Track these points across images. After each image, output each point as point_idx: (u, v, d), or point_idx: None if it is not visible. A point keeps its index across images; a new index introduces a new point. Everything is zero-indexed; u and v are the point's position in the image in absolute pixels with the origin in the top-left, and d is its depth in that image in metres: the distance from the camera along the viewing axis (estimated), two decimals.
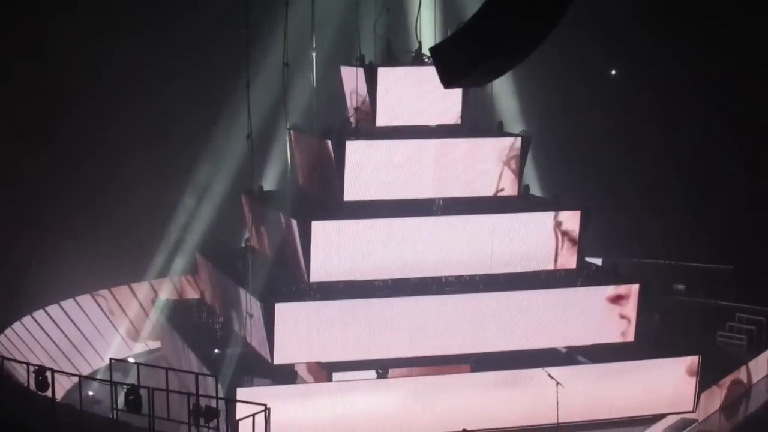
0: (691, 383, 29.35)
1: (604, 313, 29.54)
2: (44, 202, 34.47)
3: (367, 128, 29.98)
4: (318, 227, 27.97)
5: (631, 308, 29.69)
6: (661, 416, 29.25)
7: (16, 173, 34.37)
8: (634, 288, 29.67)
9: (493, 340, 28.98)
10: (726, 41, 39.04)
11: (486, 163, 29.84)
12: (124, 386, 21.04)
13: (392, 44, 30.47)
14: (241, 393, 25.78)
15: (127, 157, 36.40)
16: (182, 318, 34.82)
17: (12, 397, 23.13)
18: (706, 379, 29.91)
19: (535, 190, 33.42)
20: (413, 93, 29.95)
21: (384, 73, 29.66)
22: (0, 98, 34.10)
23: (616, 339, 29.83)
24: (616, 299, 29.56)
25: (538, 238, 29.61)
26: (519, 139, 30.08)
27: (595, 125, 37.61)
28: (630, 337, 29.87)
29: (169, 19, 37.11)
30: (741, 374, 32.69)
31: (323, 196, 30.11)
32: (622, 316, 29.66)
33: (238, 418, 21.62)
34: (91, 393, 29.56)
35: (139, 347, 37.11)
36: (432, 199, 30.07)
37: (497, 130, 31.32)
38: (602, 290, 29.60)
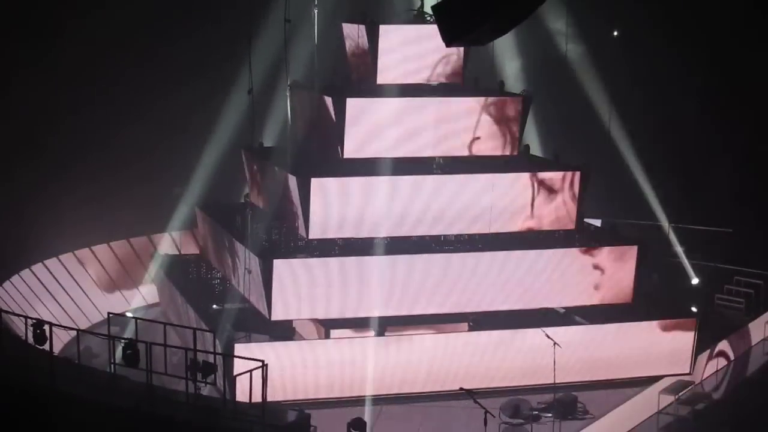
0: (689, 345, 29.42)
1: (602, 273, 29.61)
2: (42, 157, 34.35)
3: (368, 86, 29.87)
4: (317, 184, 27.92)
5: (629, 269, 29.74)
6: (658, 378, 29.32)
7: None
8: (633, 249, 29.69)
9: (492, 299, 29.02)
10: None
11: (487, 123, 29.75)
12: (122, 341, 21.06)
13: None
14: (239, 349, 25.89)
15: (126, 112, 36.26)
16: (181, 273, 34.87)
17: (10, 350, 23.15)
18: (703, 341, 29.98)
19: (536, 150, 33.35)
20: (415, 51, 29.84)
21: (385, 31, 29.52)
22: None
23: (614, 300, 29.89)
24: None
25: (537, 197, 29.58)
26: (520, 99, 29.98)
27: (597, 87, 37.46)
28: (628, 299, 29.95)
29: None
30: (738, 337, 32.74)
31: (323, 153, 30.03)
32: (621, 277, 29.74)
33: (235, 373, 21.67)
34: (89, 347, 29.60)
35: (137, 302, 37.15)
36: (432, 157, 30.01)
37: (498, 89, 31.22)
38: (601, 251, 29.61)
